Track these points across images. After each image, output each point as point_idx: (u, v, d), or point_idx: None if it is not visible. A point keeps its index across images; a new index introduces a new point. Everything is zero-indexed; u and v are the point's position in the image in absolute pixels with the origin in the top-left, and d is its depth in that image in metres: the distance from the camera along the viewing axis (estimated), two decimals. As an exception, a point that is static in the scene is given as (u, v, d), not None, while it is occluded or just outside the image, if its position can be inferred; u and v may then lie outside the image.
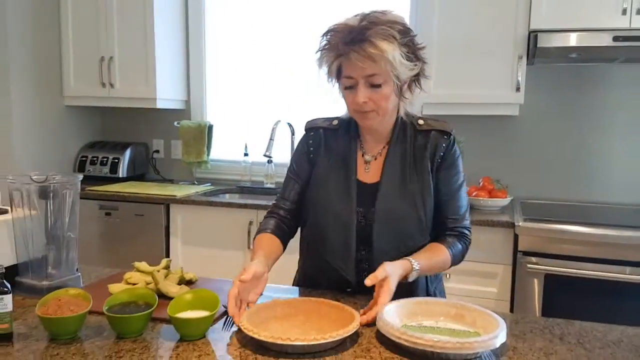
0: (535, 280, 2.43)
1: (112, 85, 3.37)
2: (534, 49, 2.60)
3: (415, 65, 1.38)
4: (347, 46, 1.32)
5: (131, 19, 3.29)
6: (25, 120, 3.24)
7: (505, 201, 2.78)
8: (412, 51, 1.37)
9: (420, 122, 1.50)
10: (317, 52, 1.41)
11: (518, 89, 2.72)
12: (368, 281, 1.25)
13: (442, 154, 1.47)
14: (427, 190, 1.45)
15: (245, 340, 1.15)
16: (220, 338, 1.17)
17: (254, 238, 1.53)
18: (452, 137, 1.49)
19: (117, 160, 3.52)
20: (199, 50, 3.58)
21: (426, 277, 1.51)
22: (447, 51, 2.81)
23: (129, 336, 1.16)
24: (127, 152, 3.56)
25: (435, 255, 1.42)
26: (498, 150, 3.12)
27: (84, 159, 3.55)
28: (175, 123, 3.50)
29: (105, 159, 3.53)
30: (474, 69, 2.79)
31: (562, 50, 2.60)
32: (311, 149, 1.55)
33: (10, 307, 1.14)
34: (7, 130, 3.13)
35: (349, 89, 1.39)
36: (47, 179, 1.39)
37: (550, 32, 2.56)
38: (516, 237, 2.47)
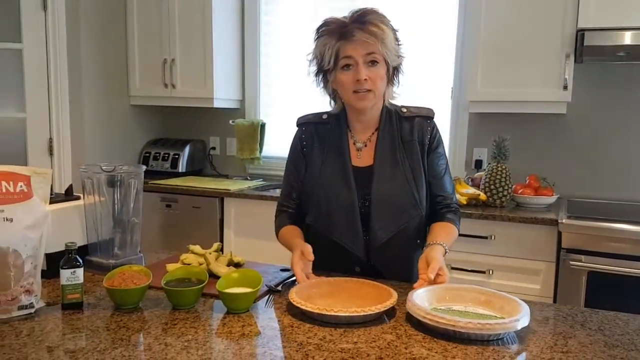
0: (579, 278, 2.43)
1: (173, 86, 3.59)
2: (581, 48, 2.60)
3: (400, 55, 1.54)
4: (352, 25, 1.47)
5: (192, 24, 3.49)
6: (96, 118, 3.51)
7: (551, 199, 2.79)
8: (397, 42, 1.54)
9: (404, 109, 1.63)
10: (315, 39, 1.55)
11: (565, 87, 2.72)
12: (431, 275, 1.35)
13: (429, 137, 1.60)
14: (418, 169, 1.57)
15: (283, 314, 1.28)
16: (262, 312, 1.30)
17: (277, 234, 1.69)
18: (433, 121, 1.62)
19: (177, 156, 3.74)
20: (254, 53, 3.75)
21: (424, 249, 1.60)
22: (494, 50, 2.84)
23: (182, 308, 1.30)
24: (187, 149, 3.78)
25: (450, 234, 1.57)
26: (545, 148, 3.12)
27: (147, 154, 3.81)
28: (231, 121, 3.68)
29: (166, 155, 3.76)
30: (521, 67, 2.80)
31: (610, 49, 2.59)
32: (304, 143, 1.67)
33: (81, 280, 1.31)
34: (80, 128, 3.40)
35: (347, 69, 1.50)
36: (115, 169, 1.55)
37: (597, 31, 2.55)
38: (560, 234, 2.48)
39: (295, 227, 1.66)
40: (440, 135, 1.65)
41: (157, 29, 3.58)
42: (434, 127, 1.62)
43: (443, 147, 1.66)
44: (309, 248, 1.45)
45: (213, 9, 3.43)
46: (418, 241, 1.62)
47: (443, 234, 1.54)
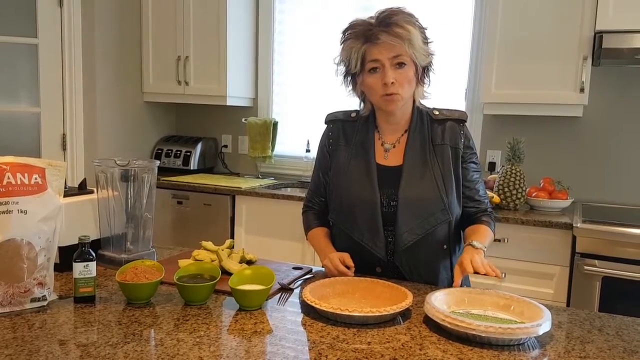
0: (593, 283, 2.40)
1: (187, 83, 3.59)
2: (599, 50, 2.57)
3: (429, 54, 1.51)
4: (377, 28, 1.45)
5: (206, 22, 3.50)
6: (109, 114, 3.52)
7: (565, 203, 2.75)
8: (426, 41, 1.51)
9: (436, 112, 1.61)
10: (341, 43, 1.54)
11: (582, 90, 2.69)
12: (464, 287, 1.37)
13: (462, 140, 1.57)
14: (448, 173, 1.54)
15: (296, 313, 1.26)
16: (274, 310, 1.29)
17: (307, 233, 1.72)
18: (466, 125, 1.60)
19: (189, 154, 3.75)
20: (267, 51, 3.75)
21: (451, 255, 1.60)
22: (509, 51, 2.82)
23: (195, 304, 1.30)
24: (199, 146, 3.78)
25: (487, 235, 1.54)
26: (560, 151, 3.09)
27: (159, 151, 3.81)
28: (243, 119, 3.68)
29: (178, 152, 3.77)
30: (537, 69, 2.77)
31: (628, 52, 2.55)
32: (330, 141, 1.66)
33: (94, 273, 1.30)
34: (93, 124, 3.41)
35: (374, 72, 1.49)
36: (129, 164, 1.55)
37: (616, 33, 2.52)
38: (574, 238, 2.45)
39: (324, 229, 1.69)
40: (472, 139, 1.62)
41: (172, 26, 3.59)
42: (466, 132, 1.59)
43: (476, 150, 1.63)
44: (345, 256, 1.52)
45: (228, 7, 3.43)
46: (445, 247, 1.58)
47: (481, 236, 1.51)
